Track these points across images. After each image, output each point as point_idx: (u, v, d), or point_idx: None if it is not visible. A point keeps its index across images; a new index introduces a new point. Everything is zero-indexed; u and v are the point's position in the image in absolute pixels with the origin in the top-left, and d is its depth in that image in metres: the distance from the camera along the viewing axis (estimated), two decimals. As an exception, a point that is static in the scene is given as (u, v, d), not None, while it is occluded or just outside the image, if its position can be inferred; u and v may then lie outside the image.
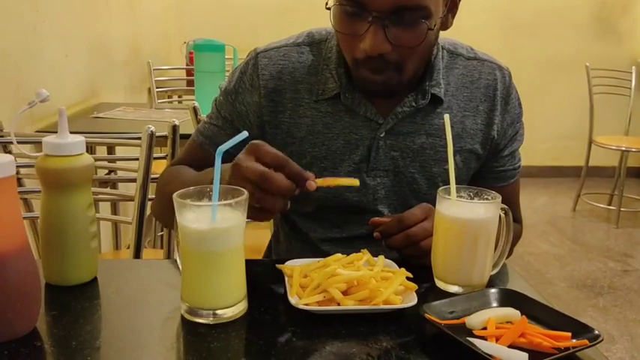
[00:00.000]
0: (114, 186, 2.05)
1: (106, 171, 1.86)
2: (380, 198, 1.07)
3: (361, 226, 1.06)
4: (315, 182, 0.80)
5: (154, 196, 1.20)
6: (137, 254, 1.48)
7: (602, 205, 4.24)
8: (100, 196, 1.62)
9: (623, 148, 3.96)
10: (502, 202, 0.86)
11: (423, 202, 0.96)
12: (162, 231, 2.30)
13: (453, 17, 1.00)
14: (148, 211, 1.49)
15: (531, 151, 4.95)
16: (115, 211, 2.34)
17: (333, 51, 1.05)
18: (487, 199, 0.87)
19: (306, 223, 1.13)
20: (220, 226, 0.73)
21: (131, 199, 1.52)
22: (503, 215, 0.88)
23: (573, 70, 4.50)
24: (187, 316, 0.75)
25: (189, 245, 0.75)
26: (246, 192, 0.75)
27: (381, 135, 1.04)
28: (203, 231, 0.73)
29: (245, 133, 0.76)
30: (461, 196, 0.88)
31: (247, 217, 0.78)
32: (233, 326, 0.75)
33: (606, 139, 4.04)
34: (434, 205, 0.89)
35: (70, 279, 0.83)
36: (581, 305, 2.85)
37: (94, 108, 2.51)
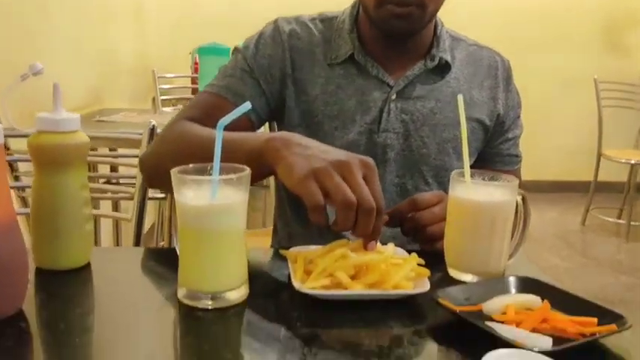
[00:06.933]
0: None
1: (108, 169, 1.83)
2: (389, 160, 1.07)
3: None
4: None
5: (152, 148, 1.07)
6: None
7: (611, 219, 4.17)
8: (102, 194, 1.59)
9: (633, 162, 3.90)
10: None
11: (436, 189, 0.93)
12: (162, 240, 2.27)
13: None
14: (148, 209, 1.45)
15: (540, 166, 4.92)
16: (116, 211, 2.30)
17: (345, 21, 1.10)
18: (503, 182, 0.82)
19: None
20: (220, 203, 0.69)
21: (131, 197, 1.48)
22: (520, 201, 0.83)
23: (582, 84, 4.45)
24: (185, 301, 0.70)
25: (186, 224, 0.70)
26: (248, 169, 0.71)
27: (393, 97, 1.06)
28: (201, 207, 0.69)
29: (248, 105, 0.72)
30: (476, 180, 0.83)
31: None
32: (233, 311, 0.70)
33: (615, 152, 3.99)
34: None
35: (62, 262, 0.78)
36: (592, 319, 2.77)
37: (97, 112, 2.48)
